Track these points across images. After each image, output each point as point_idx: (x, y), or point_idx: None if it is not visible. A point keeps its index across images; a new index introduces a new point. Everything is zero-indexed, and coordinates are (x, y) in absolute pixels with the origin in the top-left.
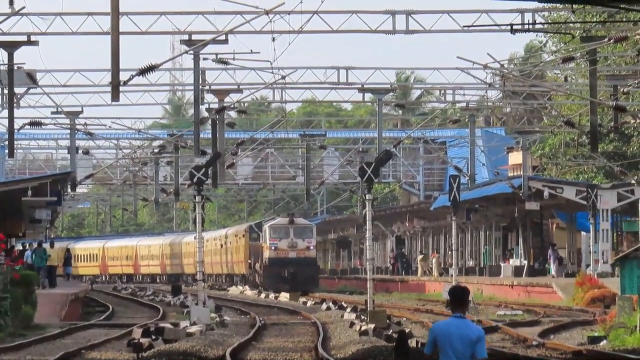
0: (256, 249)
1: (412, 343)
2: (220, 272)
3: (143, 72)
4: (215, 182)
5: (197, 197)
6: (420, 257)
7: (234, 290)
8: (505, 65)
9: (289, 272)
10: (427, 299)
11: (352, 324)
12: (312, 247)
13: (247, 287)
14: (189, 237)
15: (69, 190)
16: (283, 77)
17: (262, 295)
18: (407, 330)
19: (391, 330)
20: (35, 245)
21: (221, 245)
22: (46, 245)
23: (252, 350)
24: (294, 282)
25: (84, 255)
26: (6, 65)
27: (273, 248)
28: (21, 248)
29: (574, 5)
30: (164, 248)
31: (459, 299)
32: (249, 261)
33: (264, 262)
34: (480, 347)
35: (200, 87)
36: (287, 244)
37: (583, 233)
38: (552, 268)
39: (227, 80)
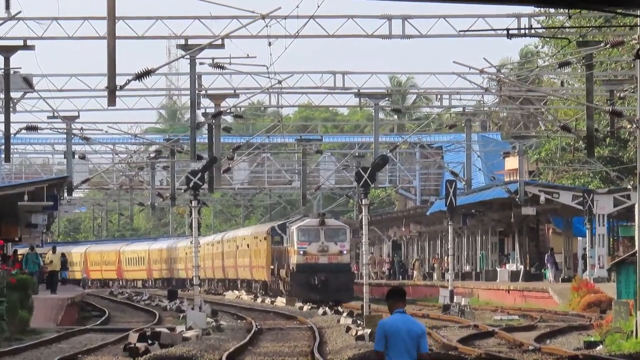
0: (279, 253)
1: None
2: (235, 277)
3: (139, 76)
4: (211, 187)
5: (193, 202)
6: (416, 263)
7: (230, 295)
8: (502, 70)
9: (319, 279)
10: (423, 303)
11: (348, 329)
12: (345, 252)
13: (243, 291)
14: (206, 238)
15: (65, 194)
16: (279, 82)
17: (259, 300)
18: None
19: None
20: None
21: (237, 247)
22: (47, 250)
23: (248, 355)
24: (325, 291)
25: (132, 259)
26: (2, 70)
27: (301, 252)
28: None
29: (570, 10)
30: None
31: (399, 296)
32: (272, 267)
33: (290, 268)
34: (424, 342)
35: (197, 91)
36: (318, 248)
37: (579, 238)
38: (550, 273)
39: (223, 85)
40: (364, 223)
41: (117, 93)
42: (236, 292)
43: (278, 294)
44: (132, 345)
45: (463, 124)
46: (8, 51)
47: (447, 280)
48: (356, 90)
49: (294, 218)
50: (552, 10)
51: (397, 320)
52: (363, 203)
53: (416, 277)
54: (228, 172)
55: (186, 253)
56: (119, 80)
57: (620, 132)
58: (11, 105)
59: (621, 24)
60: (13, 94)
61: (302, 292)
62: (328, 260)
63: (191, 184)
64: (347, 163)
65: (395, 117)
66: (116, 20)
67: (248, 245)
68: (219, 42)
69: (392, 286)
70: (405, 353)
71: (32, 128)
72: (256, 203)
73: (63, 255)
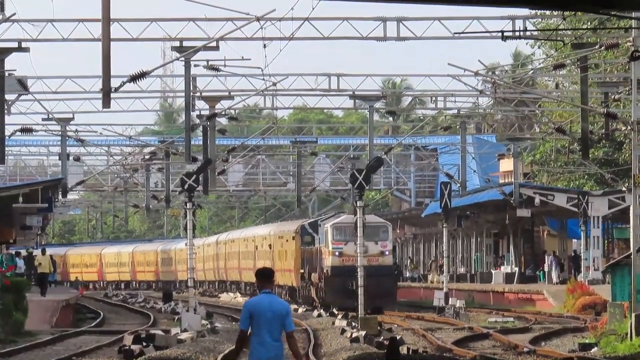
0: (310, 255)
1: (403, 350)
2: (253, 280)
3: (134, 78)
4: (206, 189)
5: (188, 204)
6: (433, 264)
7: (225, 297)
8: (496, 73)
9: (357, 284)
10: (419, 305)
11: (343, 331)
12: (387, 252)
13: (238, 293)
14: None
15: (60, 196)
16: (274, 84)
17: None
18: (398, 337)
19: (382, 337)
20: (24, 252)
21: (255, 248)
22: (37, 252)
23: (243, 356)
24: (363, 298)
25: (166, 260)
26: None
27: (337, 254)
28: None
29: (564, 12)
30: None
31: (265, 277)
32: (301, 271)
33: (324, 271)
34: (289, 321)
35: (191, 93)
36: (356, 248)
37: (574, 240)
38: (554, 274)
39: (218, 87)
40: (358, 225)
41: (112, 95)
42: (231, 293)
43: (309, 302)
44: (127, 348)
45: (458, 126)
46: (3, 53)
47: (442, 282)
48: (351, 93)
49: (327, 215)
50: (547, 12)
51: (263, 300)
52: (358, 205)
53: (432, 280)
54: (223, 174)
55: (207, 252)
56: (114, 82)
57: (615, 134)
58: (6, 107)
59: (616, 26)
60: (8, 96)
61: (338, 299)
62: (368, 262)
63: (186, 186)
64: (342, 165)
65: (390, 119)
66: (111, 22)
67: (270, 246)
68: (214, 44)
69: (261, 268)
70: (267, 331)
71: (26, 130)
72: (251, 205)
73: (51, 257)
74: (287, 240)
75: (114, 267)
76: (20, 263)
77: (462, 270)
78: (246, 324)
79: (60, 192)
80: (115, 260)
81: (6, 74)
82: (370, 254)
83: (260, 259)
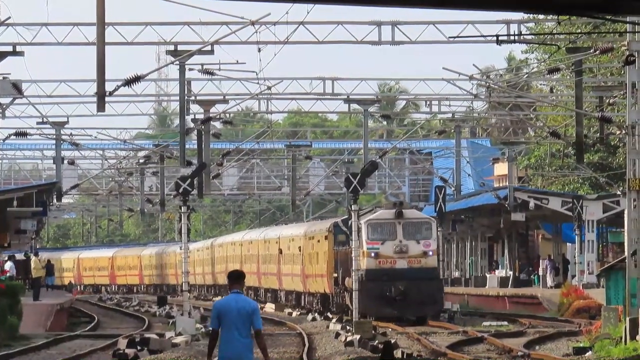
0: (344, 256)
1: (397, 353)
2: (277, 287)
3: (129, 82)
4: (200, 193)
5: (182, 208)
6: None
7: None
8: (491, 77)
9: (397, 289)
10: None
11: (337, 335)
12: (431, 253)
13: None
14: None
15: (55, 200)
16: (269, 88)
17: None
18: (392, 341)
19: (377, 341)
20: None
21: (280, 251)
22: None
23: None
24: (404, 305)
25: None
26: None
27: (373, 254)
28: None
29: (559, 17)
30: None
31: (235, 277)
32: (335, 275)
33: (358, 275)
34: (256, 318)
35: (186, 97)
36: (394, 248)
37: (568, 244)
38: (549, 278)
39: (212, 91)
40: (353, 229)
41: (107, 99)
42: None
43: (343, 310)
44: (121, 351)
45: (452, 130)
46: None
47: None
48: (345, 97)
49: (364, 210)
50: (541, 16)
51: (230, 300)
52: (352, 209)
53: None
54: (217, 178)
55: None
56: (108, 86)
57: (609, 139)
58: (0, 110)
59: (610, 30)
60: (2, 100)
61: (374, 307)
62: (408, 264)
63: (180, 190)
64: (336, 169)
65: (385, 123)
66: (105, 26)
67: (300, 248)
68: (209, 48)
69: (232, 270)
70: (234, 329)
71: (21, 134)
72: (246, 209)
73: (49, 261)
74: (318, 241)
75: (150, 269)
76: (11, 266)
77: (456, 274)
78: (215, 323)
79: (54, 196)
80: (149, 263)
81: (1, 77)
82: (412, 255)
83: (285, 263)
